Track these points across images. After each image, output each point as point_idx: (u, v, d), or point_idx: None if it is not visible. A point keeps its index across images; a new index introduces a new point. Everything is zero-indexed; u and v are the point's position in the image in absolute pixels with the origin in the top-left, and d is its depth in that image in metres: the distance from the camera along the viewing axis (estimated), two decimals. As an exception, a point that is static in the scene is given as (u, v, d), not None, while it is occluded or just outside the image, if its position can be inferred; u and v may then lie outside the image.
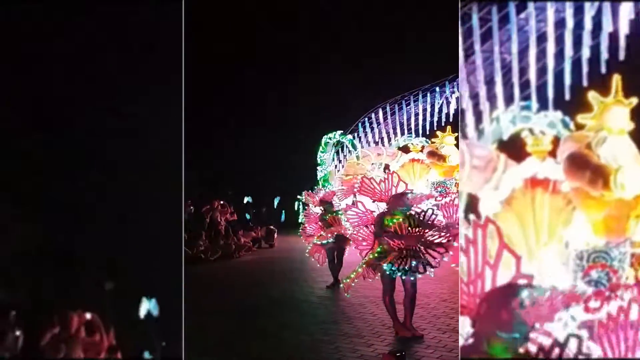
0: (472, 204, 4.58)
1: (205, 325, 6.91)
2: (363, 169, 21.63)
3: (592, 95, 4.33)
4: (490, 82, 4.59)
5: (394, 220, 6.05)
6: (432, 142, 20.30)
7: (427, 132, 23.18)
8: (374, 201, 6.66)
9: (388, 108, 24.44)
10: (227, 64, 28.05)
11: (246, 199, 22.72)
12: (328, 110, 26.85)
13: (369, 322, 7.07)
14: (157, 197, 4.61)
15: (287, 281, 10.82)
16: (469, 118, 4.62)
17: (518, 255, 3.29)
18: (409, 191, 6.50)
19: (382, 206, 6.60)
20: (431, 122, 23.25)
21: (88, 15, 4.51)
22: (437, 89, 22.72)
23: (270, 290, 9.79)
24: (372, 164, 21.83)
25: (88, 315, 4.64)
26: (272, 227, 19.54)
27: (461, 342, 3.51)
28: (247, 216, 20.44)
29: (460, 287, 3.37)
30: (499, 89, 4.57)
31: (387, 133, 24.52)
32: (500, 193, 4.43)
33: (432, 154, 19.22)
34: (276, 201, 24.11)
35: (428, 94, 23.08)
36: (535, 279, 4.22)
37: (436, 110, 23.12)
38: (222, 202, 17.30)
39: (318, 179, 23.93)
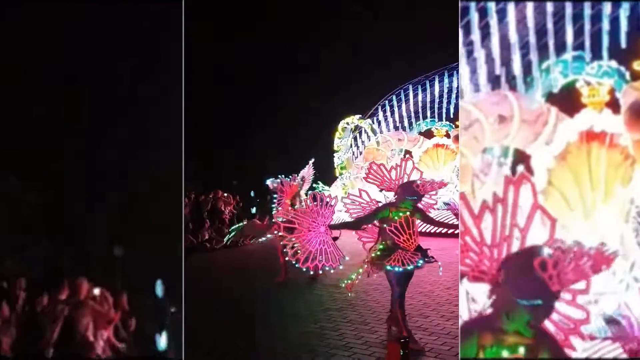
0: (520, 160, 4.52)
1: (211, 312, 7.22)
2: (383, 156, 21.47)
3: None
4: (540, 31, 4.50)
5: (400, 214, 5.62)
6: (459, 126, 20.09)
7: (452, 116, 23.02)
8: (381, 190, 6.21)
9: (410, 89, 24.29)
10: (230, 51, 28.17)
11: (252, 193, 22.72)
12: (339, 94, 26.78)
13: (373, 309, 7.25)
14: (157, 189, 4.75)
15: (291, 270, 10.99)
16: (517, 69, 4.55)
17: (553, 218, 3.12)
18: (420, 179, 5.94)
19: (389, 197, 6.24)
20: (456, 105, 23.07)
21: (88, 13, 4.67)
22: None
23: (274, 278, 9.93)
24: (392, 150, 21.73)
25: (96, 290, 4.71)
26: None
27: (461, 322, 3.37)
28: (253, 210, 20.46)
29: (482, 251, 3.19)
30: (550, 37, 4.49)
31: (409, 117, 24.38)
32: (554, 147, 4.36)
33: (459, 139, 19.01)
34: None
35: (455, 73, 22.82)
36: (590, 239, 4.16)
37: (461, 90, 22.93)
38: (225, 194, 17.45)
39: (335, 166, 23.88)
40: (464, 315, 3.45)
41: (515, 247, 3.09)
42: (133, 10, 4.63)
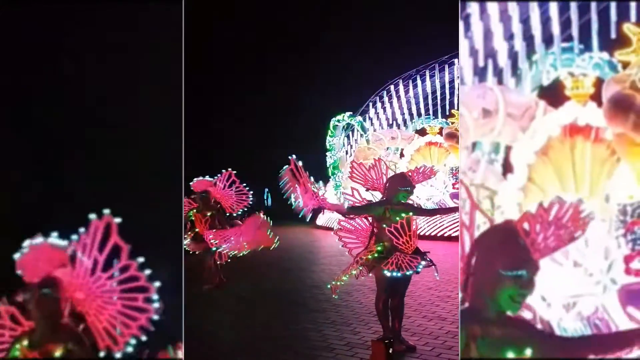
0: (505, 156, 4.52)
1: (193, 315, 7.22)
2: (375, 154, 21.39)
3: (627, 28, 4.15)
4: (526, 21, 4.51)
5: (403, 215, 5.51)
6: (453, 123, 20.05)
7: (447, 112, 22.93)
8: (367, 190, 6.20)
9: (401, 85, 24.14)
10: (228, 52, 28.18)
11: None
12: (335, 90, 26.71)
13: (356, 310, 7.43)
14: (157, 189, 4.79)
15: (275, 271, 11.34)
16: (504, 61, 4.55)
17: (491, 218, 3.11)
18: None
19: (377, 196, 6.17)
20: (451, 102, 23.00)
21: (87, 13, 4.74)
22: (457, 60, 22.45)
23: (258, 280, 10.20)
24: (387, 148, 21.64)
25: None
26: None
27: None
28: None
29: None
30: (536, 28, 4.49)
31: (402, 114, 24.29)
32: (535, 142, 4.32)
33: (451, 136, 18.88)
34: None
35: (446, 67, 22.68)
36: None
37: (457, 85, 22.71)
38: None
39: (327, 166, 23.80)
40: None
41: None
42: (133, 9, 4.68)
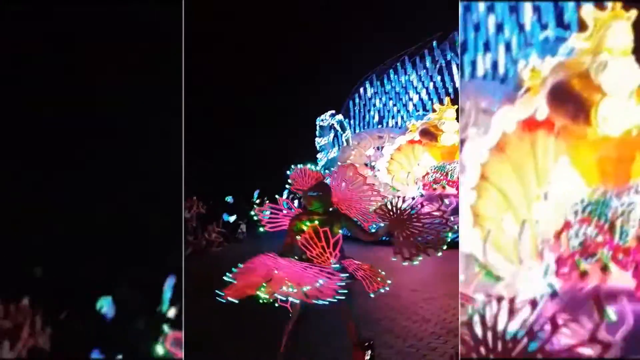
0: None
1: (211, 316, 7.10)
2: (360, 155, 20.29)
3: (586, 11, 3.99)
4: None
5: (308, 223, 4.79)
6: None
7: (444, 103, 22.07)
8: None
9: (375, 80, 23.41)
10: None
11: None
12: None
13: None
14: (157, 190, 4.88)
15: None
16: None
17: None
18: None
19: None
20: (456, 90, 22.06)
21: (87, 13, 4.87)
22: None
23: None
24: (378, 148, 20.63)
25: None
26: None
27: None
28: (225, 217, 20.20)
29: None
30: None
31: (388, 110, 23.83)
32: (488, 138, 4.09)
33: (425, 133, 17.43)
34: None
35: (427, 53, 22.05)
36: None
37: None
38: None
39: (318, 167, 23.26)
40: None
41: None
42: (133, 9, 4.80)
